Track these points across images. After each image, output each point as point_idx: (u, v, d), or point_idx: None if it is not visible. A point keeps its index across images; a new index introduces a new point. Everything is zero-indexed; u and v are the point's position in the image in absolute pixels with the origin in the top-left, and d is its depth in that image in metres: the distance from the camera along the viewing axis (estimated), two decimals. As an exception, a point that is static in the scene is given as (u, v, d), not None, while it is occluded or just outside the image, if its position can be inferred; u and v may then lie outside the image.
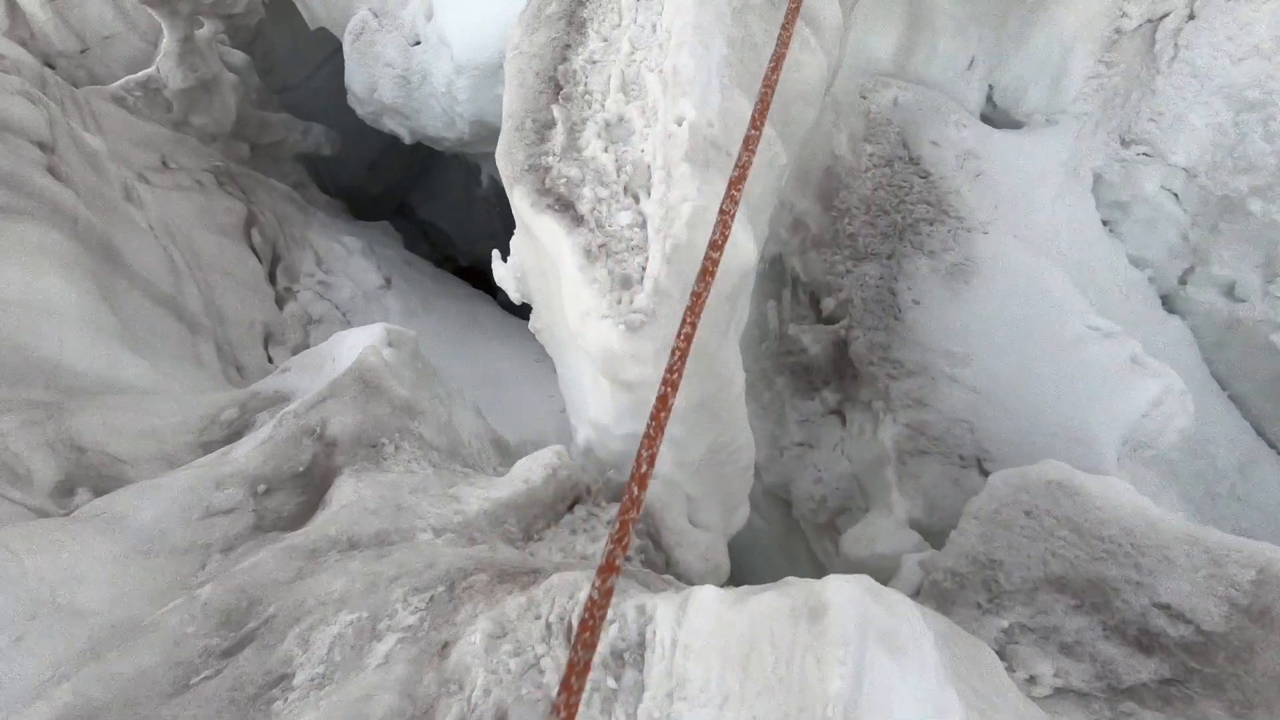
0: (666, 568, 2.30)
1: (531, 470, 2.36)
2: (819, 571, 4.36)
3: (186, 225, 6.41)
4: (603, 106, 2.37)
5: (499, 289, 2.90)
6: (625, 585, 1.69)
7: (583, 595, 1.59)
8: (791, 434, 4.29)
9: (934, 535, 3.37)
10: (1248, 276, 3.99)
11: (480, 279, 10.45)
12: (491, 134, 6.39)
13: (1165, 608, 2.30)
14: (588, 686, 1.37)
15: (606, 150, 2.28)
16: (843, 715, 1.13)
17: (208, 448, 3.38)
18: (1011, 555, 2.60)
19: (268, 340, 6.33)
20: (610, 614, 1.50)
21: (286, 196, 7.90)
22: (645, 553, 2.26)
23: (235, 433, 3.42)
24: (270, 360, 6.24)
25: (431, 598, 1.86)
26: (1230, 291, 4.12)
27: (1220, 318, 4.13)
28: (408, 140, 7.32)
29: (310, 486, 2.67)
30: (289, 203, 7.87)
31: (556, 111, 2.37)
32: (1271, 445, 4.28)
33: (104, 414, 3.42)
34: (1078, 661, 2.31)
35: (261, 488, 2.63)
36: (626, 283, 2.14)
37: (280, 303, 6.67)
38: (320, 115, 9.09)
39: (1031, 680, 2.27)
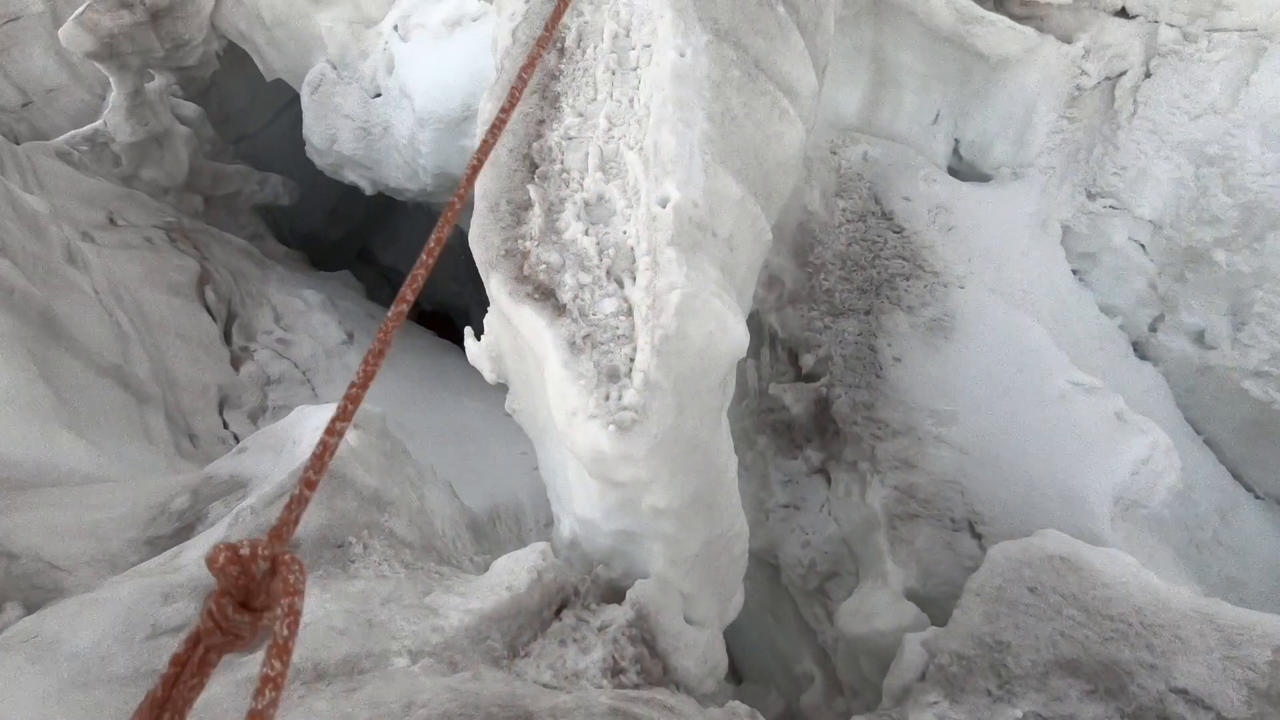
0: (664, 675, 2.14)
1: (515, 575, 2.18)
2: (809, 638, 4.22)
3: (134, 285, 6.12)
4: (581, 186, 2.27)
5: (464, 335, 2.75)
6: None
7: (585, 754, 1.43)
8: (776, 495, 4.18)
9: (931, 604, 3.26)
10: (1217, 324, 4.05)
11: (445, 325, 10.25)
12: (454, 185, 6.27)
13: (1183, 693, 2.22)
14: None
15: (587, 233, 2.17)
16: None
17: (154, 545, 3.11)
18: (1019, 636, 2.50)
19: (223, 404, 6.02)
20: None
21: (243, 251, 7.63)
22: (640, 661, 2.10)
23: (186, 525, 3.17)
24: (225, 425, 5.93)
25: (410, 744, 1.67)
26: (1200, 339, 4.17)
27: (1192, 364, 4.17)
28: (369, 191, 7.16)
29: (270, 594, 2.44)
30: (245, 257, 7.60)
31: (533, 191, 2.26)
32: (1249, 489, 4.30)
33: (38, 512, 3.14)
34: (1097, 755, 2.20)
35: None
36: (614, 375, 2.01)
37: (236, 363, 6.37)
38: (279, 163, 8.88)
39: (1052, 779, 2.15)
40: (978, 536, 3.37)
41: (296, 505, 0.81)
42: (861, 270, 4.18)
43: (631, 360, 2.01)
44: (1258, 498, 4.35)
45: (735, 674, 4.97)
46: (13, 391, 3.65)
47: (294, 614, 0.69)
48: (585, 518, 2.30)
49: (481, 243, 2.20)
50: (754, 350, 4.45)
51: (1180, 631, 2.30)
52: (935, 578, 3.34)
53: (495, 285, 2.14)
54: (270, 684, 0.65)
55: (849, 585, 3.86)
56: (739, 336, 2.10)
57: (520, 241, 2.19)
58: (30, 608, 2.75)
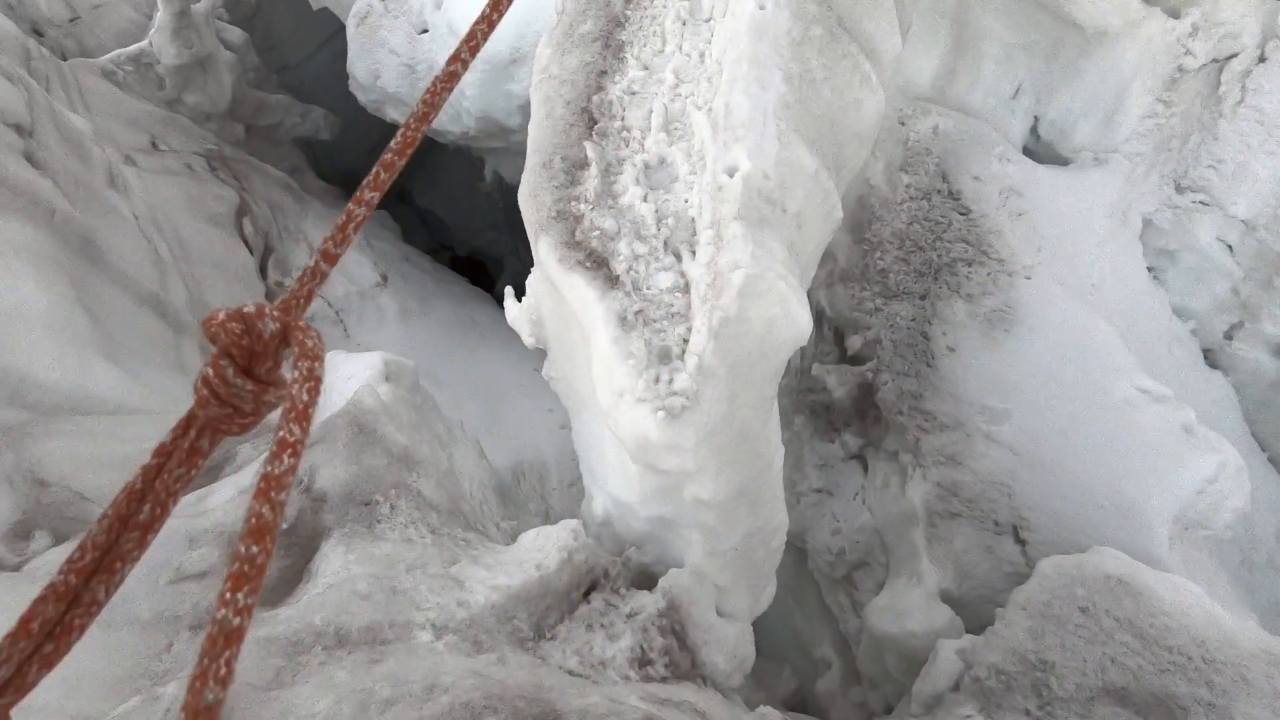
0: (692, 668, 2.06)
1: (544, 553, 2.10)
2: (831, 624, 4.14)
3: (174, 213, 6.08)
4: (642, 146, 2.10)
5: (496, 282, 2.64)
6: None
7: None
8: (809, 479, 4.05)
9: (965, 607, 3.14)
10: (1301, 336, 3.77)
11: (478, 271, 10.14)
12: (498, 130, 6.07)
13: (1241, 738, 2.08)
14: None
15: (646, 199, 2.01)
16: None
17: (184, 481, 3.10)
18: (1065, 657, 2.37)
19: (256, 339, 6.01)
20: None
21: (282, 184, 7.55)
22: (669, 653, 2.02)
23: (214, 466, 3.15)
24: (258, 361, 5.93)
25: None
26: (1279, 350, 3.90)
27: (1268, 377, 3.92)
28: (411, 132, 6.98)
29: (295, 547, 2.40)
30: (284, 190, 7.52)
31: (590, 150, 2.09)
32: (1311, 513, 4.07)
33: (71, 441, 3.13)
34: (1141, 792, 2.08)
35: (240, 548, 2.36)
36: (665, 356, 1.87)
37: (270, 298, 6.36)
38: (320, 96, 8.72)
39: (1090, 812, 2.05)
40: (1022, 543, 3.22)
41: (310, 278, 0.66)
42: (921, 251, 3.95)
43: (685, 341, 1.87)
44: (1319, 522, 4.12)
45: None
46: (50, 315, 3.63)
47: (314, 379, 0.57)
48: (621, 499, 2.20)
49: (532, 201, 2.06)
50: (799, 327, 4.28)
51: (1246, 672, 2.16)
52: (972, 580, 3.21)
53: (544, 249, 2.00)
54: (289, 449, 0.54)
55: (878, 577, 3.76)
56: (803, 323, 1.95)
57: (574, 204, 2.04)
58: (59, 538, 2.76)
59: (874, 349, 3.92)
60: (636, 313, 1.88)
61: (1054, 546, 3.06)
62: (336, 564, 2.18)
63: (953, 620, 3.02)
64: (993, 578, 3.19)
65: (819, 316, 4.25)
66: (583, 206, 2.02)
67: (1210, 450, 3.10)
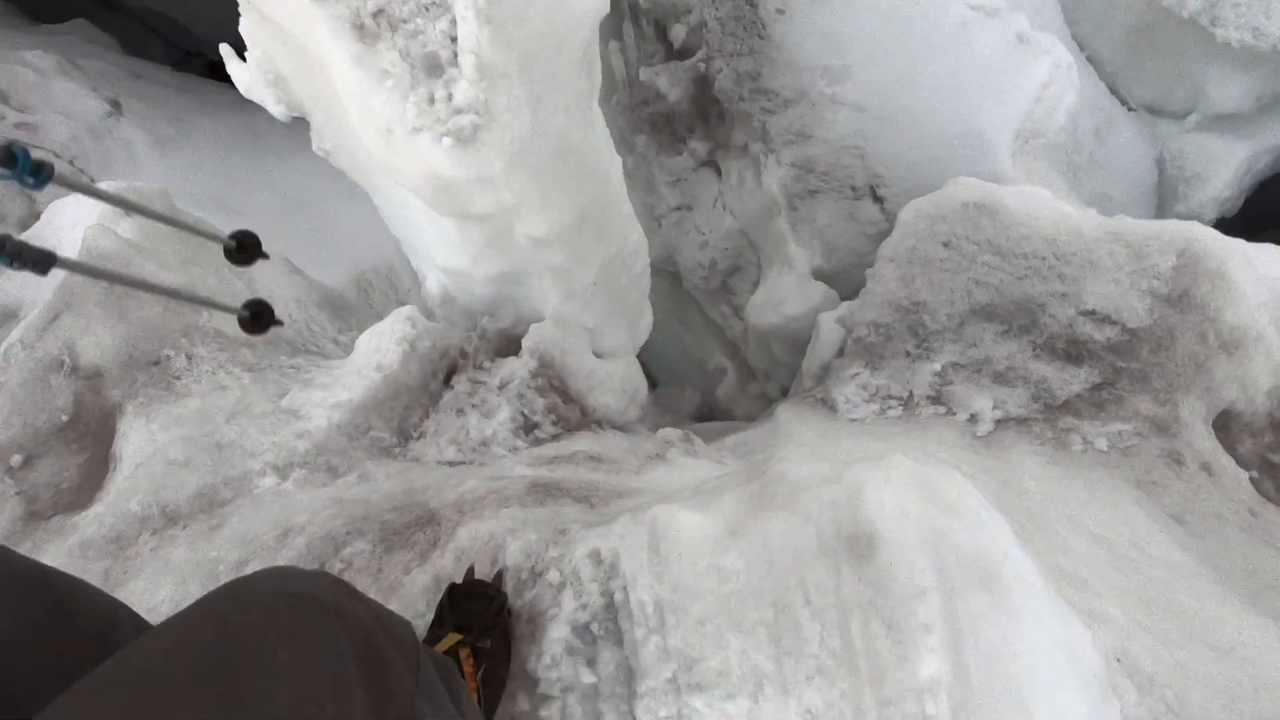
0: (583, 417, 1.93)
1: (382, 352, 1.79)
2: (718, 335, 4.21)
3: None
4: None
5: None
6: (545, 516, 1.27)
7: (514, 547, 1.18)
8: (665, 199, 3.81)
9: (837, 279, 3.17)
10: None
11: (243, 75, 8.35)
12: None
13: (1091, 314, 2.23)
14: (555, 692, 1.03)
15: None
16: (950, 708, 0.84)
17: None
18: (934, 294, 2.42)
19: (-22, 222, 4.79)
20: (556, 574, 1.11)
21: (-94, 10, 5.57)
22: (554, 410, 1.86)
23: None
24: (-5, 246, 4.79)
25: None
26: (1095, -65, 3.74)
27: (1084, -31, 3.80)
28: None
29: (87, 438, 1.99)
30: (-85, 19, 5.57)
31: None
32: (1124, 102, 4.27)
33: None
34: (1012, 388, 2.25)
35: (17, 459, 1.93)
36: (433, 65, 1.43)
37: (-28, 166, 4.97)
38: None
39: (972, 419, 2.21)
40: (880, 200, 3.19)
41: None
42: (728, -100, 3.34)
43: (453, 40, 1.41)
44: (1130, 110, 4.36)
45: (650, 381, 5.09)
46: None
47: None
48: (452, 268, 1.87)
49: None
50: (614, 30, 3.72)
51: (1091, 255, 2.25)
52: (840, 252, 3.21)
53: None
54: None
55: (752, 278, 3.73)
56: (597, -16, 1.51)
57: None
58: None
59: (700, 35, 3.47)
60: (375, 14, 1.37)
61: (911, 196, 3.03)
62: (139, 439, 1.81)
63: (828, 295, 3.05)
64: (859, 243, 3.19)
65: (634, 11, 3.69)
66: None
67: (1043, 54, 3.03)
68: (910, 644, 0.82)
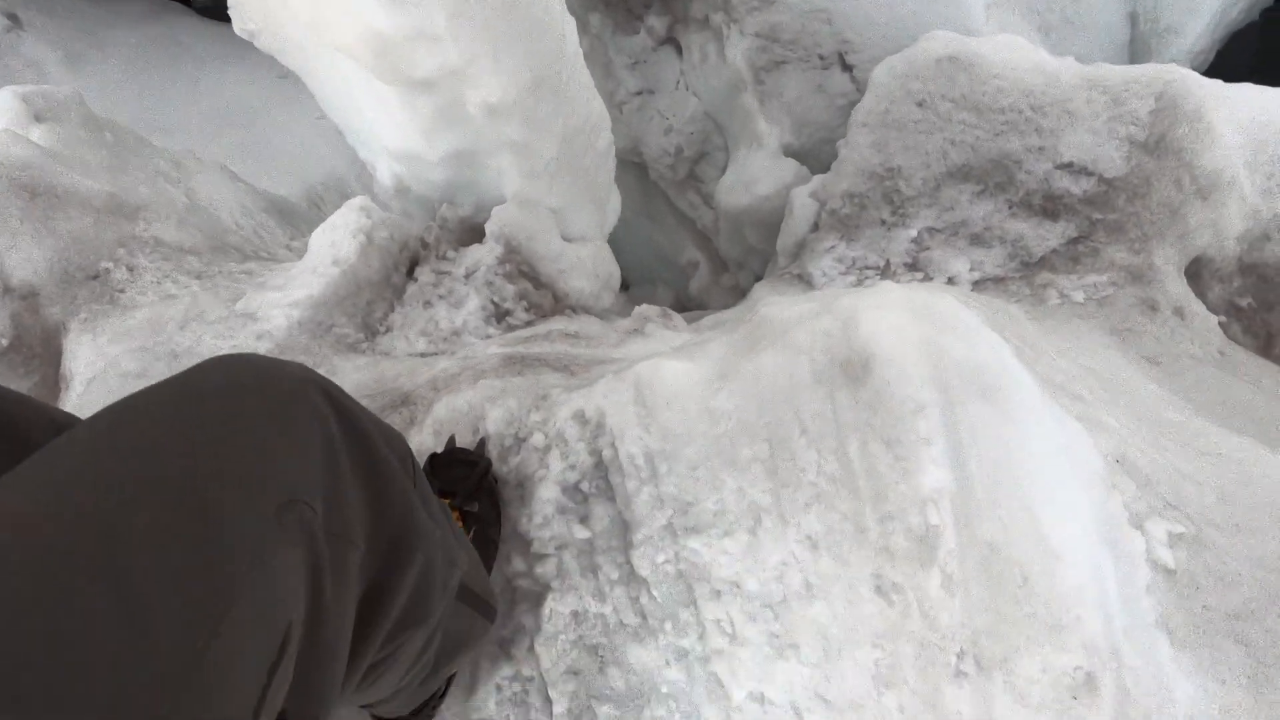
0: (556, 303, 1.86)
1: (338, 246, 1.69)
2: (689, 227, 4.10)
3: None
4: None
5: None
6: (524, 384, 1.23)
7: (495, 414, 1.14)
8: (625, 83, 3.62)
9: (809, 156, 3.07)
10: None
11: (154, -19, 7.61)
12: None
13: (1068, 166, 2.18)
14: (549, 550, 1.01)
15: None
16: (954, 516, 0.83)
17: None
18: (909, 158, 2.34)
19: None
20: (541, 437, 1.08)
21: None
22: (525, 297, 1.78)
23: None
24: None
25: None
26: None
27: None
28: None
29: (34, 360, 1.89)
30: None
31: None
32: (1097, -47, 4.08)
33: None
34: (989, 248, 2.22)
35: (-40, 387, 1.83)
36: (356, -93, 1.26)
37: None
38: None
39: (950, 282, 2.19)
40: (849, 69, 3.04)
41: None
42: None
43: (374, -128, 1.24)
44: (1102, -38, 4.16)
45: (622, 284, 5.00)
46: None
47: None
48: (404, 150, 1.74)
49: None
50: (557, -107, 3.40)
51: (1070, 105, 2.18)
52: (810, 126, 3.09)
53: None
54: None
55: (720, 163, 3.61)
56: None
57: None
58: None
59: (651, -106, 3.19)
60: None
61: (880, 62, 2.90)
62: (88, 354, 1.71)
63: (799, 171, 2.95)
64: (829, 116, 3.07)
65: (576, -128, 3.36)
66: None
67: (1017, -106, 2.83)
68: (911, 459, 0.82)
